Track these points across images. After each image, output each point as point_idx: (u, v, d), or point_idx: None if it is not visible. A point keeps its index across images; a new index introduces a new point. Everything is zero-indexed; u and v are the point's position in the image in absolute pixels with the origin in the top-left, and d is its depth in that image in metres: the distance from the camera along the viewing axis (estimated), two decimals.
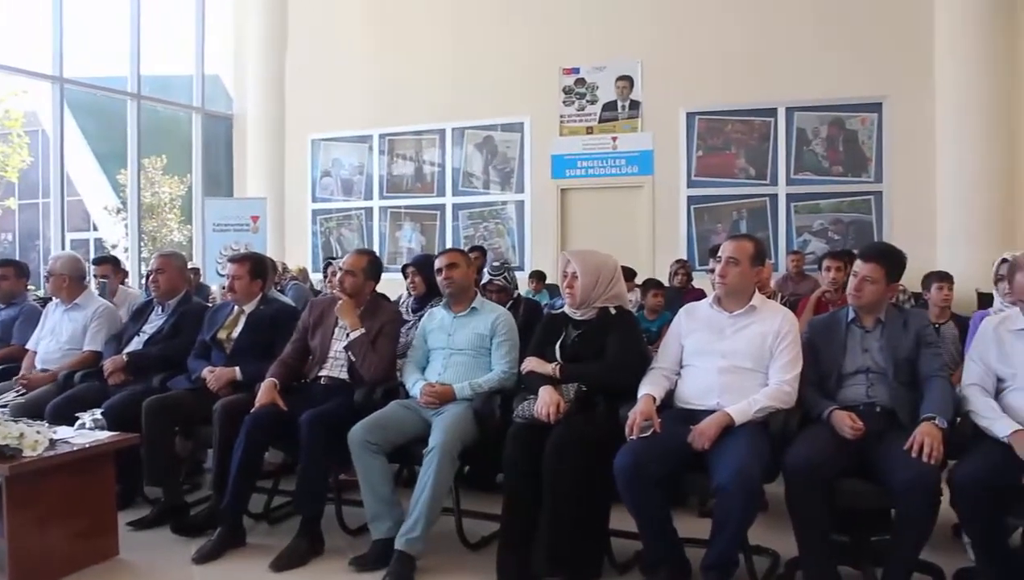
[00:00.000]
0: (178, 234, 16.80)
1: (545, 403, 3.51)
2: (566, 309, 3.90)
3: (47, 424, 3.99)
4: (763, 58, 9.99)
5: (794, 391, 3.42)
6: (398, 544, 3.58)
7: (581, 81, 10.87)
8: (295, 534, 3.86)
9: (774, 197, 10.08)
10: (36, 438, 3.59)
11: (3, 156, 19.19)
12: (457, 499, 3.87)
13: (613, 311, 3.81)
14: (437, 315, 4.21)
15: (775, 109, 10.05)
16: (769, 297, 4.21)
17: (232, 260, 4.69)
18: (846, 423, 3.24)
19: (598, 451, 3.36)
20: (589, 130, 10.83)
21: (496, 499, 3.93)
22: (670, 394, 3.62)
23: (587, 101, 10.85)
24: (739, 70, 10.10)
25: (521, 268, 10.36)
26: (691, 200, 10.38)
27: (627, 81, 10.68)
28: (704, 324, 3.66)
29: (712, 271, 4.08)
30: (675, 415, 3.50)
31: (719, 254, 3.66)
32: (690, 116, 10.37)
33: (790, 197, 10.02)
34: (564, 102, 10.93)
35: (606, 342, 3.72)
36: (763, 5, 10.08)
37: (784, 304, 4.37)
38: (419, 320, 4.51)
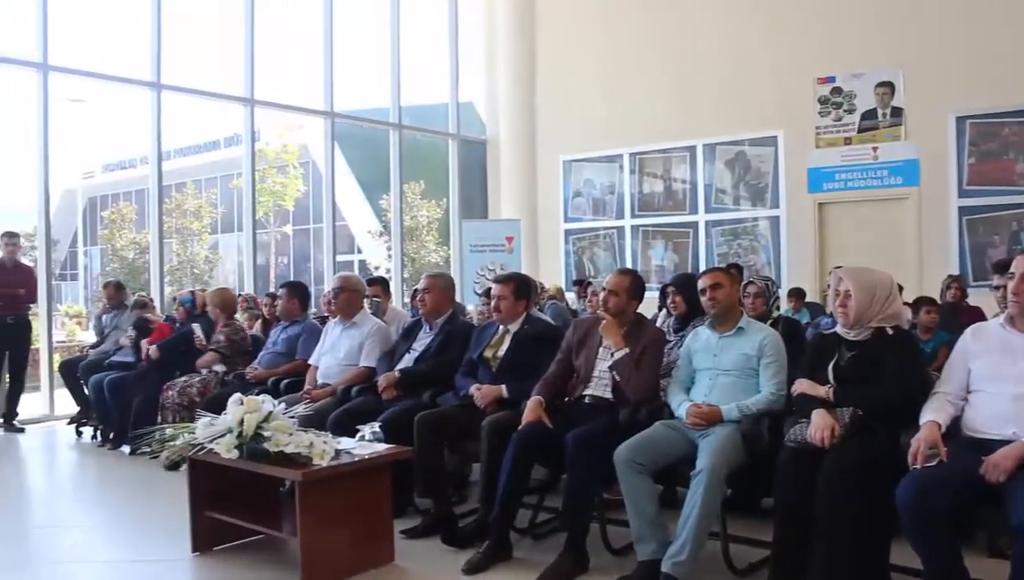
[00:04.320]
0: (435, 255, 17.65)
1: (819, 427, 3.35)
2: (838, 329, 3.72)
3: (330, 434, 4.27)
4: None
5: None
6: (665, 567, 3.53)
7: (837, 90, 10.45)
8: (560, 551, 3.90)
9: None
10: (323, 448, 3.86)
11: (281, 187, 20.96)
12: (724, 523, 3.77)
13: (890, 331, 3.59)
14: (702, 335, 4.14)
15: None
16: None
17: (497, 281, 4.84)
18: None
19: (877, 480, 3.18)
20: (847, 141, 10.39)
21: (761, 524, 3.83)
22: (956, 421, 3.37)
23: (844, 111, 10.42)
24: (1015, 68, 9.33)
25: (778, 286, 10.05)
26: (963, 211, 9.69)
27: (888, 87, 10.16)
28: (995, 346, 3.37)
29: (997, 288, 3.78)
30: (963, 444, 3.24)
31: (1011, 270, 3.37)
32: (960, 121, 9.70)
33: None
34: (820, 113, 10.54)
35: (883, 364, 3.51)
36: None
37: None
38: (681, 340, 4.47)
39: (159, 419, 6.37)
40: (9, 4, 10.40)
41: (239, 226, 23.74)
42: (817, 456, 3.32)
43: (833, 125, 10.47)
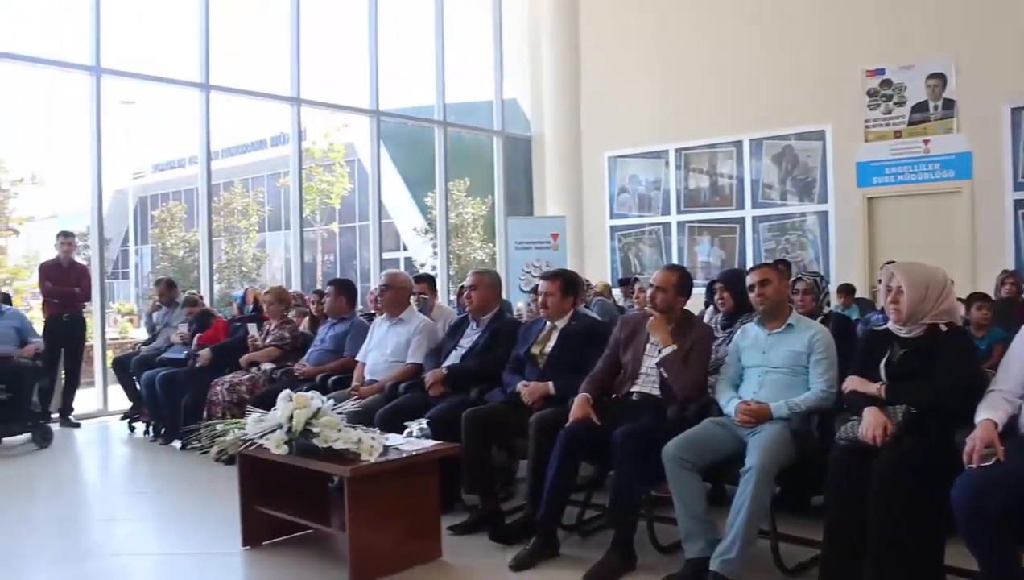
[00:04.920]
0: (480, 252, 17.67)
1: (871, 425, 3.30)
2: (890, 326, 3.67)
3: (378, 431, 4.29)
4: None
5: None
6: (713, 565, 3.51)
7: (887, 82, 10.29)
8: (607, 548, 3.88)
9: None
10: (372, 444, 3.89)
11: (328, 185, 21.14)
12: (773, 522, 3.74)
13: (944, 328, 3.53)
14: (750, 332, 4.10)
15: None
16: None
17: (544, 277, 4.84)
18: None
19: (932, 479, 3.12)
20: (897, 134, 10.23)
21: (810, 522, 3.79)
22: (1012, 420, 3.29)
23: (894, 103, 10.25)
24: None
25: (827, 282, 9.95)
26: (1018, 204, 9.51)
27: (939, 79, 9.98)
28: None
29: None
30: (1021, 443, 3.17)
31: None
32: (1015, 112, 9.50)
33: None
34: (869, 106, 10.38)
35: (937, 361, 3.45)
36: None
37: None
38: (729, 336, 4.44)
39: (207, 415, 6.47)
40: (62, 9, 10.61)
41: (286, 224, 24.03)
42: (869, 454, 3.28)
43: (882, 118, 10.32)
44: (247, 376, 6.72)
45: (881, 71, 10.31)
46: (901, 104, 10.21)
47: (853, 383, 3.56)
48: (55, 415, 8.11)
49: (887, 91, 10.29)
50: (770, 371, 3.93)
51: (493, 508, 4.52)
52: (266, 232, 27.12)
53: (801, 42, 10.75)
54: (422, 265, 18.12)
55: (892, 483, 3.15)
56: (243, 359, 6.93)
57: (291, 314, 7.39)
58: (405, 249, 22.19)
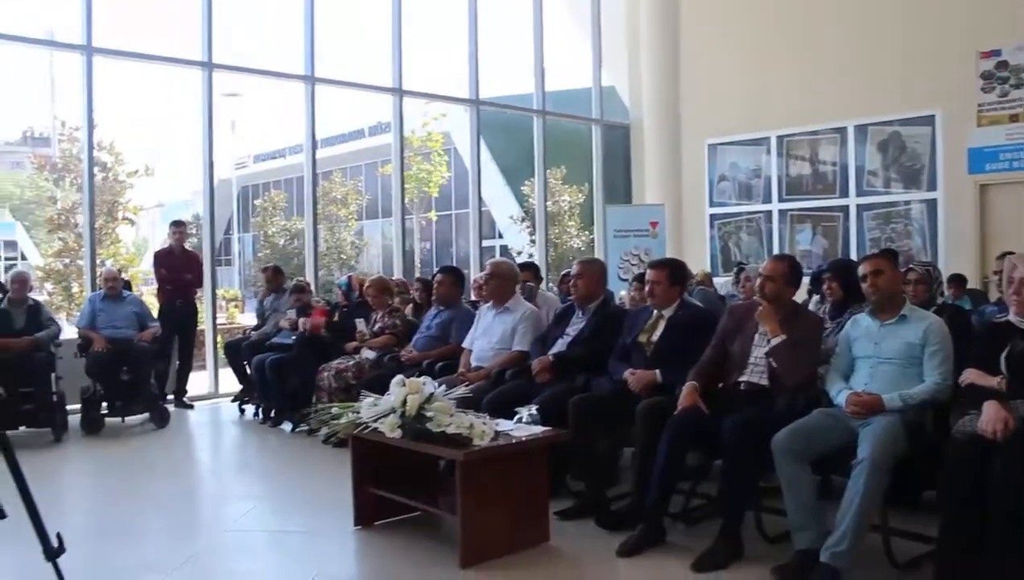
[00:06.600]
0: (577, 241, 17.67)
1: (991, 419, 3.23)
2: (1011, 317, 3.58)
3: (488, 416, 4.37)
4: None
5: None
6: (823, 557, 3.49)
7: (1003, 64, 9.91)
8: (715, 537, 3.89)
9: None
10: (483, 429, 3.98)
11: (426, 174, 21.39)
12: (884, 515, 3.70)
13: None
14: (862, 323, 4.04)
15: None
16: None
17: (652, 266, 4.87)
18: None
19: None
20: (1014, 118, 9.85)
21: (922, 517, 3.76)
22: None
23: (1011, 86, 9.87)
24: None
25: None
26: None
27: None
28: None
29: None
30: None
31: None
32: None
33: None
34: (983, 89, 10.01)
35: None
36: None
37: None
38: (837, 326, 4.39)
39: (314, 400, 6.67)
40: (174, 6, 10.95)
41: (384, 212, 24.39)
42: (988, 449, 3.21)
43: (998, 102, 9.94)
44: (352, 362, 6.87)
45: (997, 52, 9.93)
46: (1018, 86, 9.82)
47: (972, 376, 3.49)
48: (170, 397, 8.45)
49: (1003, 73, 9.92)
50: (882, 362, 3.87)
51: (599, 495, 4.57)
52: (364, 220, 27.58)
53: (908, 23, 10.42)
54: (519, 253, 18.22)
55: (1014, 478, 3.09)
56: (349, 345, 7.10)
57: (395, 302, 7.53)
58: (501, 237, 22.31)
